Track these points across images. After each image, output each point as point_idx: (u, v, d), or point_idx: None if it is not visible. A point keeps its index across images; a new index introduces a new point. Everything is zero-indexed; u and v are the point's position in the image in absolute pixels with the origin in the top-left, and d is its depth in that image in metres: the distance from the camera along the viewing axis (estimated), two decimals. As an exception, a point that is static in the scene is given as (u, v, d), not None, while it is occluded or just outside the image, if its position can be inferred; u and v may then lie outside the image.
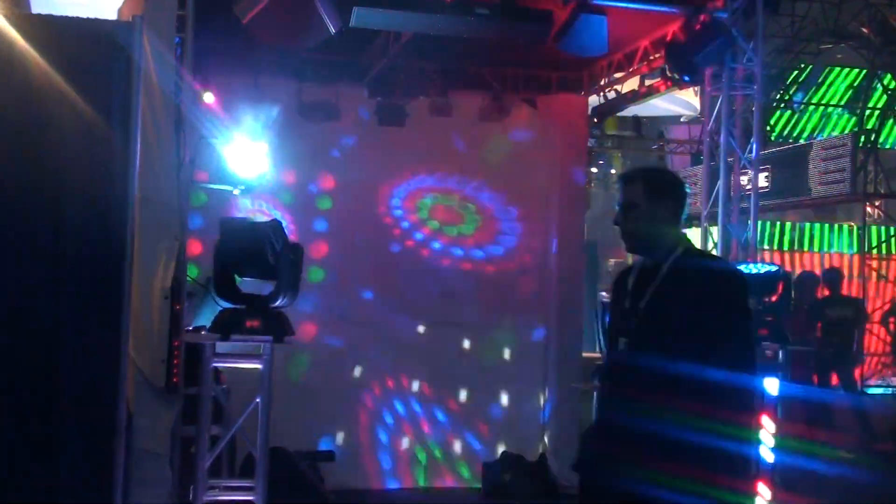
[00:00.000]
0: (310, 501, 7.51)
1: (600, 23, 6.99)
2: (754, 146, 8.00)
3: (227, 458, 7.16)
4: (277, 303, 6.09)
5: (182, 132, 6.58)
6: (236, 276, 6.31)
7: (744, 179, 8.61)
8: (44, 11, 9.26)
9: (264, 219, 7.27)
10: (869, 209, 14.85)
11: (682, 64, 7.52)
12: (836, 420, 11.67)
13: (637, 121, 20.50)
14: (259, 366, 6.26)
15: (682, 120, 24.80)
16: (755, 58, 7.81)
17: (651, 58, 8.98)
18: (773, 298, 7.93)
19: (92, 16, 6.32)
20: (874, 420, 11.82)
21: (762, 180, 8.26)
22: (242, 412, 6.52)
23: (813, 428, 10.06)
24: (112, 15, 7.63)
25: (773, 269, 7.72)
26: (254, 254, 5.95)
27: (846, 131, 15.55)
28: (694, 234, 16.10)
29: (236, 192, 7.24)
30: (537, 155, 10.49)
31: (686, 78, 7.68)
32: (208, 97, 8.59)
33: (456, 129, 10.22)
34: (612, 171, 31.11)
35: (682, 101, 22.16)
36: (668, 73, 8.31)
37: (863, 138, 13.17)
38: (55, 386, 5.45)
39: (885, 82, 14.04)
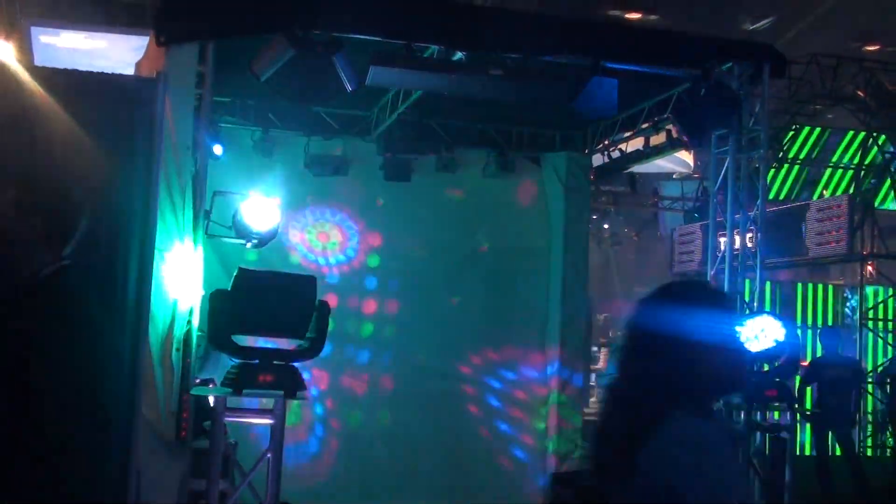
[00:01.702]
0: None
1: (611, 84, 7.11)
2: (760, 206, 8.11)
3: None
4: (301, 361, 6.12)
5: (199, 185, 6.66)
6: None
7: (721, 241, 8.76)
8: (44, 59, 9.39)
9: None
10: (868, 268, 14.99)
11: (690, 127, 7.65)
12: (835, 480, 11.66)
13: (632, 177, 20.68)
14: (270, 421, 6.24)
15: (674, 177, 25.08)
16: (762, 122, 7.96)
17: (655, 119, 9.13)
18: (780, 361, 8.02)
19: (93, 64, 6.43)
20: (871, 480, 11.81)
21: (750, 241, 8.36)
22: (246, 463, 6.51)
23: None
24: (118, 64, 7.75)
25: (780, 337, 7.76)
26: (279, 311, 5.95)
27: (839, 193, 15.76)
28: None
29: (249, 245, 7.28)
30: (541, 212, 10.60)
31: (695, 141, 7.79)
32: (217, 150, 8.69)
33: (461, 184, 10.33)
34: (605, 227, 31.38)
35: (676, 159, 22.36)
36: (675, 136, 8.44)
37: (858, 199, 13.34)
38: (68, 441, 5.45)
39: (881, 144, 14.25)
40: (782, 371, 8.21)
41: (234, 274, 6.29)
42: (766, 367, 8.15)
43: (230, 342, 6.17)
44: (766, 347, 7.69)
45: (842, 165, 16.08)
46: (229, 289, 6.16)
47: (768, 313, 8.25)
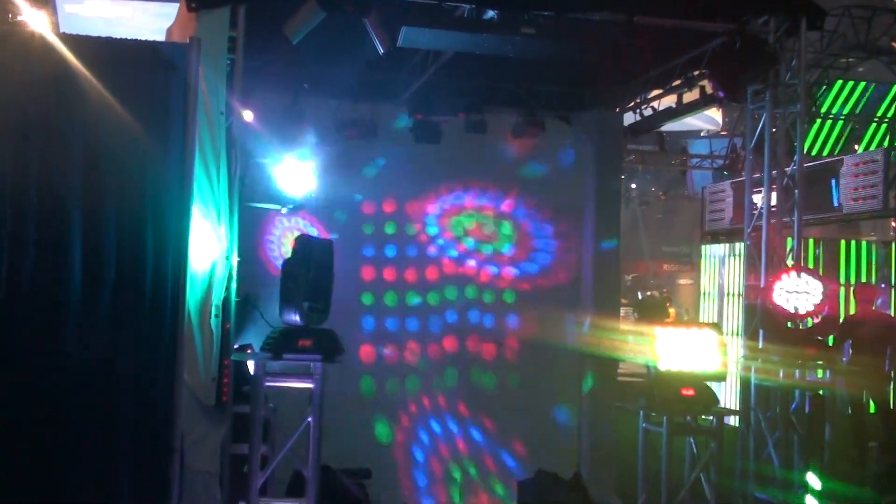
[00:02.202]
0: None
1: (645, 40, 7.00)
2: (797, 162, 8.00)
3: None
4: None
5: (234, 152, 6.64)
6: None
7: (756, 199, 8.69)
8: (68, 28, 9.34)
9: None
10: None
11: (725, 83, 7.52)
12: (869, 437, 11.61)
13: (660, 135, 20.48)
14: (311, 385, 6.27)
15: (702, 135, 24.84)
16: (799, 77, 7.82)
17: (688, 75, 8.99)
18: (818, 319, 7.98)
19: (112, 31, 6.40)
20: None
21: (774, 199, 8.27)
22: (288, 428, 6.55)
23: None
24: (137, 32, 7.70)
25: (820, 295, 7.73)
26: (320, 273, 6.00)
27: (873, 147, 15.52)
28: (721, 250, 16.14)
29: (284, 210, 7.27)
30: (572, 172, 10.52)
31: (730, 97, 7.67)
32: (247, 115, 8.66)
33: (491, 145, 10.25)
34: (633, 186, 31.18)
35: (705, 116, 22.19)
36: (709, 92, 8.32)
37: (894, 154, 13.13)
38: (113, 406, 5.50)
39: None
40: (821, 329, 8.15)
41: (296, 241, 6.32)
42: (809, 323, 8.10)
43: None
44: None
45: (876, 119, 15.83)
46: (292, 256, 6.20)
47: (808, 271, 8.17)
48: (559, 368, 10.43)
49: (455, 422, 10.13)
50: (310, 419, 6.24)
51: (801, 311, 7.80)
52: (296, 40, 6.60)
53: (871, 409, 11.83)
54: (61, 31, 11.10)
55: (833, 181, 13.33)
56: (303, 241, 6.33)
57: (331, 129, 9.63)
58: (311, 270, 6.11)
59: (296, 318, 6.21)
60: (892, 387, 12.97)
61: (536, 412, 10.36)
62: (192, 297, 6.05)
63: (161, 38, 7.26)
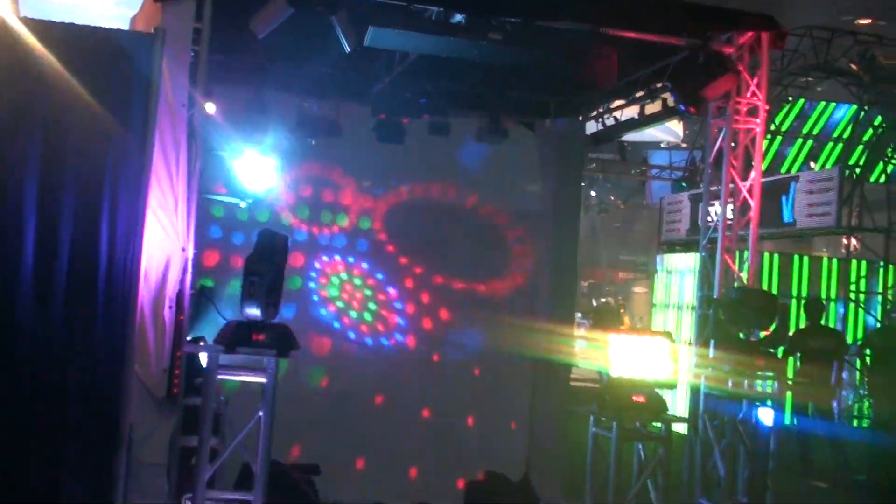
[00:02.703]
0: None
1: (611, 52, 7.09)
2: (755, 177, 8.15)
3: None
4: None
5: (194, 144, 6.61)
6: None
7: (712, 211, 8.83)
8: (28, 11, 9.23)
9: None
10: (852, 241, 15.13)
11: (687, 96, 7.64)
12: (813, 450, 11.85)
13: (621, 145, 20.69)
14: (263, 379, 6.27)
15: (662, 146, 25.10)
16: (759, 92, 7.97)
17: (651, 87, 9.11)
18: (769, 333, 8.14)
19: (74, 16, 6.34)
20: (850, 451, 12.00)
21: (730, 212, 8.45)
22: (237, 423, 6.52)
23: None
24: (98, 18, 7.64)
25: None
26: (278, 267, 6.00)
27: (829, 166, 15.82)
28: (675, 260, 16.35)
29: (243, 204, 7.25)
30: (533, 178, 10.60)
31: (692, 110, 7.79)
32: (210, 108, 8.61)
33: (454, 148, 10.29)
34: (592, 194, 31.40)
35: (665, 128, 22.41)
36: (671, 105, 8.44)
37: (847, 172, 13.42)
38: (61, 396, 5.46)
39: (873, 119, 14.31)
40: (771, 341, 8.30)
41: (259, 236, 6.30)
42: (761, 335, 8.26)
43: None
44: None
45: (832, 139, 16.15)
46: (255, 251, 6.19)
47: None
48: (511, 372, 10.48)
49: (404, 421, 10.14)
50: (261, 413, 6.23)
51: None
52: (262, 35, 6.59)
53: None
54: (22, 14, 10.93)
55: (783, 197, 13.60)
56: (267, 236, 6.31)
57: (293, 125, 9.61)
58: (274, 266, 6.11)
59: (258, 312, 6.21)
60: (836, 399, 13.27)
61: (487, 414, 10.42)
62: (146, 290, 6.02)
63: (124, 26, 7.21)
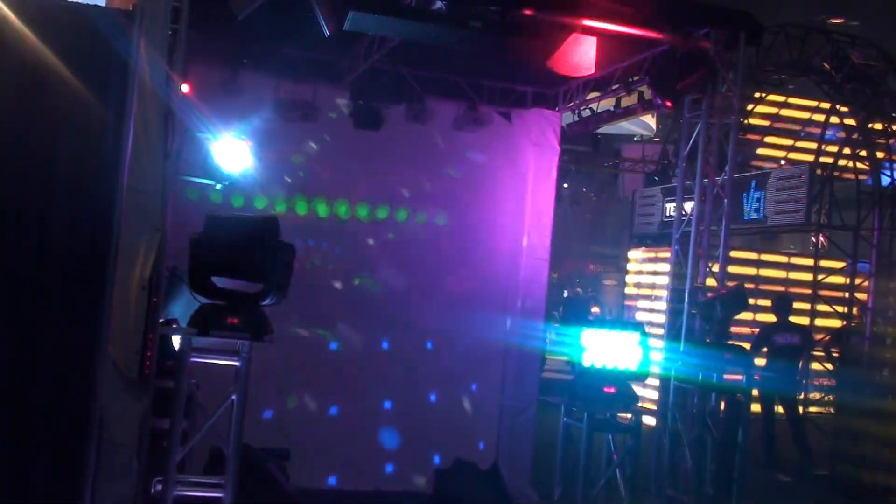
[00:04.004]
0: (276, 499, 7.48)
1: (590, 44, 7.11)
2: (728, 172, 8.22)
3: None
4: (265, 302, 6.09)
5: (170, 125, 6.55)
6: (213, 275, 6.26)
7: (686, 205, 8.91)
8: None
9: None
10: (820, 239, 15.30)
11: (664, 90, 7.69)
12: (778, 444, 12.02)
13: (595, 137, 20.74)
14: (237, 363, 6.24)
15: (636, 139, 25.22)
16: (735, 89, 8.03)
17: (628, 80, 9.15)
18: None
19: None
20: (814, 445, 12.19)
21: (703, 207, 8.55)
22: (209, 406, 6.49)
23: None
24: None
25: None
26: (240, 254, 5.92)
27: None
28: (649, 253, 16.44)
29: (218, 186, 7.20)
30: (509, 167, 10.61)
31: (668, 104, 7.84)
32: (184, 88, 8.52)
33: (431, 136, 10.28)
34: (565, 185, 31.50)
35: (639, 122, 22.51)
36: (648, 98, 8.48)
37: (818, 170, 13.56)
38: (31, 377, 5.40)
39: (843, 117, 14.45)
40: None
41: (205, 220, 6.23)
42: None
43: (211, 284, 6.16)
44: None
45: (803, 137, 16.30)
46: (202, 233, 6.11)
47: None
48: (482, 362, 10.51)
49: (375, 409, 10.14)
50: (233, 397, 6.21)
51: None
52: (241, 15, 6.53)
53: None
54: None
55: (745, 195, 13.75)
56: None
57: (270, 107, 9.55)
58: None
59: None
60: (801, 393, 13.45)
61: (457, 403, 10.45)
62: (121, 271, 5.96)
63: (101, 2, 7.10)
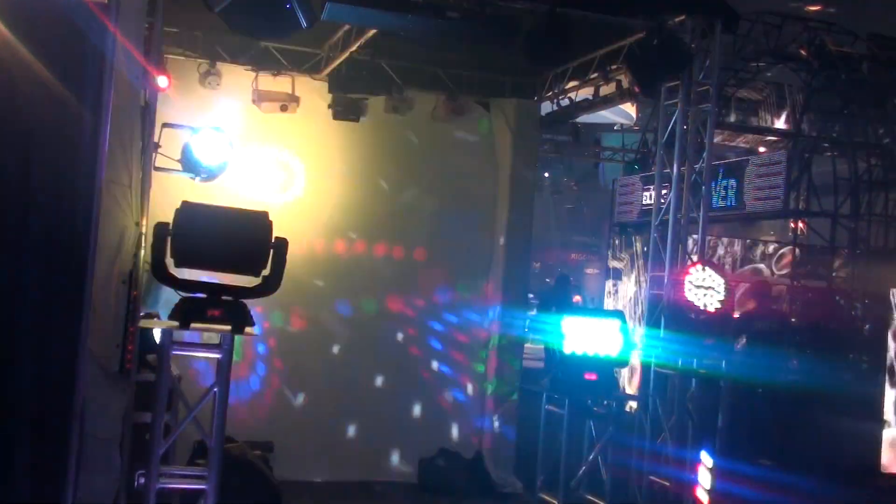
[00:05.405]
0: (260, 491, 7.49)
1: (565, 33, 7.14)
2: (706, 160, 8.27)
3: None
4: (261, 296, 6.11)
5: (148, 118, 6.54)
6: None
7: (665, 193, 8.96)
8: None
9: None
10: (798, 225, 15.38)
11: (641, 78, 7.73)
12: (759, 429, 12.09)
13: (575, 127, 20.76)
14: (218, 355, 6.23)
15: (615, 128, 25.27)
16: (712, 77, 8.08)
17: (606, 69, 9.18)
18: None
19: None
20: (796, 430, 12.27)
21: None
22: (192, 399, 6.48)
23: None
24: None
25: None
26: (233, 248, 5.89)
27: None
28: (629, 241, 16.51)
29: (197, 179, 7.17)
30: (488, 156, 10.65)
31: (645, 92, 7.88)
32: (162, 81, 8.50)
33: (410, 127, 10.30)
34: (546, 175, 31.55)
35: (618, 110, 22.51)
36: (626, 86, 8.52)
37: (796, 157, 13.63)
38: (12, 372, 5.38)
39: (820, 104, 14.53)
40: (720, 321, 8.47)
41: (178, 207, 6.17)
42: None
43: (169, 275, 6.09)
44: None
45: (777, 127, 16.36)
46: (171, 222, 6.03)
47: (711, 265, 8.47)
48: (465, 350, 10.57)
49: (359, 399, 10.17)
50: (216, 389, 6.20)
51: (710, 308, 8.08)
52: (219, 9, 6.51)
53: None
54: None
55: (713, 183, 13.78)
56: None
57: (248, 99, 9.55)
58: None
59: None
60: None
61: (440, 392, 10.50)
62: (100, 264, 5.94)
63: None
